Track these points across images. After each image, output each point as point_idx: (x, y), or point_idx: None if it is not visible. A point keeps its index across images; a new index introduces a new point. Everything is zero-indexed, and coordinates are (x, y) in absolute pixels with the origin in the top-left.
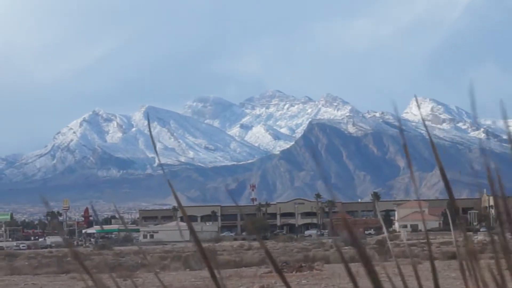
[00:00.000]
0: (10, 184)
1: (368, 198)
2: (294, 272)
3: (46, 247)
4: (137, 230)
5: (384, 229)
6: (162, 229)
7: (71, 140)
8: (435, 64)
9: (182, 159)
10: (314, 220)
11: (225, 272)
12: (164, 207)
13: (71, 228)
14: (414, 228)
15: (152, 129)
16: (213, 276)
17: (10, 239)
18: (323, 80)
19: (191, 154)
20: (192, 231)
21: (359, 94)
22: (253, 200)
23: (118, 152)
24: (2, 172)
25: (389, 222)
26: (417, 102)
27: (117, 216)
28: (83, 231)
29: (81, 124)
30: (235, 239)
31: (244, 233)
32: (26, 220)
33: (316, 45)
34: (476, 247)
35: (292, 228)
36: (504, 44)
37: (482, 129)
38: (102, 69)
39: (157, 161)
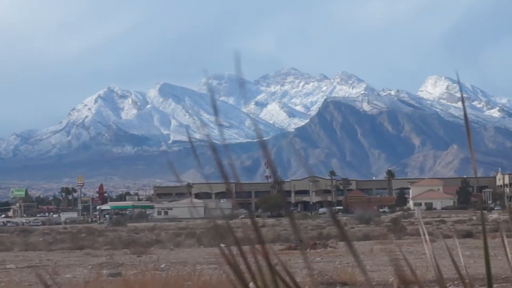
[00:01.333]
0: (25, 160)
1: (382, 176)
2: (308, 250)
3: (60, 223)
4: (152, 207)
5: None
6: (176, 205)
7: (86, 117)
8: (451, 42)
9: (197, 136)
10: (329, 198)
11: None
12: (179, 184)
13: (85, 204)
14: (429, 206)
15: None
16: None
17: (24, 215)
18: (338, 57)
19: (206, 131)
20: (250, 213)
21: (375, 72)
22: (267, 177)
23: (133, 128)
24: (17, 148)
25: (403, 200)
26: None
27: (131, 193)
28: (98, 207)
29: (96, 101)
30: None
31: (259, 210)
32: (41, 196)
33: (332, 23)
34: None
35: (306, 206)
36: None
37: (497, 108)
38: (117, 46)
39: (172, 137)
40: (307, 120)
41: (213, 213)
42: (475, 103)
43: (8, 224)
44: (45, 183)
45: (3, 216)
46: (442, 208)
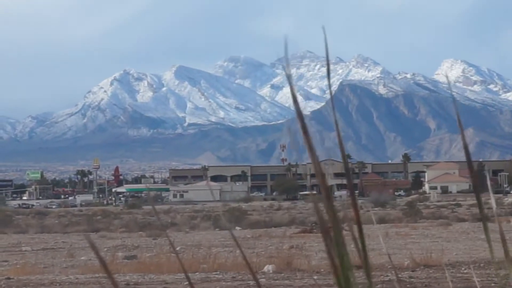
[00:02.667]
0: (41, 142)
1: (398, 160)
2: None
3: (76, 205)
4: (167, 190)
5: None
6: (192, 188)
7: (102, 99)
8: (467, 25)
9: (213, 118)
10: (344, 181)
11: (255, 232)
12: (194, 167)
13: (101, 187)
14: (444, 190)
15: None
16: None
17: (40, 197)
18: (354, 41)
19: (221, 114)
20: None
21: (390, 55)
22: (283, 160)
23: (149, 111)
24: (32, 131)
25: (419, 183)
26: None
27: (147, 175)
28: (113, 190)
29: (112, 83)
30: (265, 199)
31: (274, 193)
32: (57, 178)
33: (348, 5)
34: None
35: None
36: None
37: None
38: (133, 28)
39: (188, 120)
40: (323, 103)
41: (229, 195)
42: (491, 86)
43: (23, 206)
44: (61, 165)
45: (18, 198)
46: (458, 192)
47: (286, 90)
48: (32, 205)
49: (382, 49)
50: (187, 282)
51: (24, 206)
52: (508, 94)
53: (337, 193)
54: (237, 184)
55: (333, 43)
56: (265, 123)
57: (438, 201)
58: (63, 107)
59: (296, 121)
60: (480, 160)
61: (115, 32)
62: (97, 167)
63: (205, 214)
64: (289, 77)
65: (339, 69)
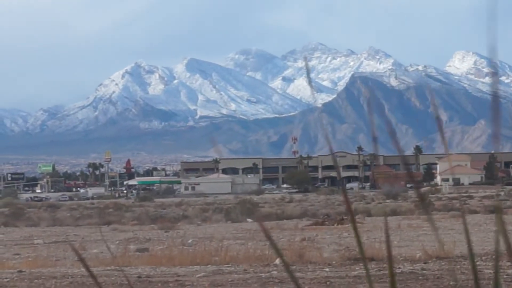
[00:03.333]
0: (52, 135)
1: (410, 151)
2: (335, 225)
3: (87, 198)
4: (179, 182)
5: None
6: (203, 181)
7: (113, 92)
8: (479, 16)
9: (224, 111)
10: (356, 173)
11: (266, 225)
12: (206, 159)
13: (112, 179)
14: (456, 182)
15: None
16: None
17: (52, 190)
18: (366, 33)
19: (233, 106)
20: None
21: (402, 48)
22: (294, 152)
23: (160, 104)
24: (44, 124)
25: (430, 175)
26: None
27: (159, 168)
28: (125, 182)
29: (123, 76)
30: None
31: (285, 185)
32: (68, 171)
33: None
34: None
35: (333, 181)
36: None
37: None
38: (145, 21)
39: (199, 113)
40: (334, 96)
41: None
42: (503, 78)
43: (35, 199)
44: (73, 158)
45: (30, 191)
46: (470, 184)
47: (298, 82)
48: (46, 197)
49: (393, 41)
50: (199, 275)
51: (36, 199)
52: None
53: (349, 185)
54: (249, 176)
55: (344, 36)
56: (277, 115)
57: (450, 193)
58: (74, 100)
59: (308, 114)
60: (492, 152)
61: (126, 25)
62: (109, 160)
63: (217, 206)
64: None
65: (351, 61)
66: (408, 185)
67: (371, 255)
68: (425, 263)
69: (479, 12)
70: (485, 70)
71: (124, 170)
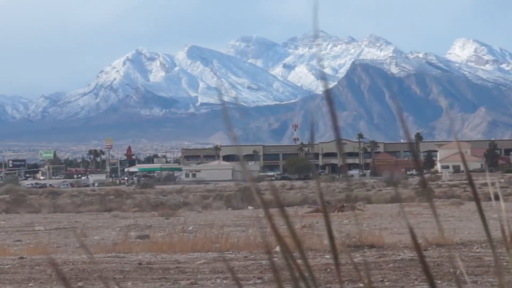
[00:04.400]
0: (54, 122)
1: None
2: (336, 212)
3: (88, 185)
4: (180, 169)
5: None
6: (204, 168)
7: (114, 79)
8: (479, 4)
9: (225, 98)
10: (356, 161)
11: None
12: (207, 146)
13: (113, 166)
14: (456, 169)
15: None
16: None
17: (53, 177)
18: (366, 20)
19: (233, 93)
20: None
21: (403, 35)
22: (295, 139)
23: (161, 91)
24: (45, 111)
25: (431, 162)
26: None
27: (159, 155)
28: (126, 169)
29: (124, 63)
30: (277, 179)
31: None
32: (69, 158)
33: None
34: None
35: (334, 168)
36: None
37: None
38: (146, 8)
39: (200, 100)
40: (335, 83)
41: (241, 175)
42: (503, 65)
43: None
44: (74, 145)
45: (31, 178)
46: (470, 171)
47: (298, 69)
48: (51, 184)
49: (394, 29)
50: (200, 261)
51: (37, 185)
52: None
53: (349, 172)
54: (249, 163)
55: (345, 23)
56: (277, 102)
57: (450, 180)
58: (75, 87)
59: (309, 101)
60: (492, 139)
61: (128, 12)
62: (110, 147)
63: (218, 193)
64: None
65: (351, 48)
66: (408, 172)
67: (371, 242)
68: (425, 250)
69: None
70: (485, 57)
71: (125, 157)
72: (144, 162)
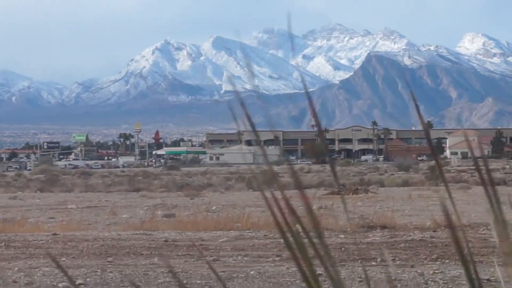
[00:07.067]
0: (86, 107)
1: (421, 127)
2: (350, 195)
3: (118, 166)
4: (204, 152)
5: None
6: (227, 151)
7: (144, 67)
8: (488, 1)
9: (247, 86)
10: (370, 146)
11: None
12: (230, 131)
13: (142, 149)
14: (464, 155)
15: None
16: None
17: (86, 159)
18: (381, 14)
19: (256, 82)
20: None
21: (415, 29)
22: (313, 126)
23: (188, 79)
24: (79, 96)
25: (440, 149)
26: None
27: (185, 139)
28: (154, 152)
29: (153, 52)
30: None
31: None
32: (101, 141)
33: None
34: None
35: (349, 153)
36: None
37: None
38: (174, 1)
39: (224, 87)
40: (351, 73)
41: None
42: (510, 58)
43: (68, 166)
44: (105, 129)
45: (64, 159)
46: (477, 157)
47: (317, 60)
48: (87, 165)
49: (407, 23)
50: (222, 239)
51: (70, 166)
52: None
53: (363, 157)
54: (270, 148)
55: (361, 17)
56: (297, 91)
57: (459, 166)
58: (107, 74)
59: (325, 90)
60: (499, 127)
61: (157, 3)
62: (139, 130)
63: (240, 175)
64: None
65: (367, 41)
66: (419, 158)
67: (383, 223)
68: (434, 231)
69: None
70: (493, 51)
71: (153, 141)
72: (171, 146)
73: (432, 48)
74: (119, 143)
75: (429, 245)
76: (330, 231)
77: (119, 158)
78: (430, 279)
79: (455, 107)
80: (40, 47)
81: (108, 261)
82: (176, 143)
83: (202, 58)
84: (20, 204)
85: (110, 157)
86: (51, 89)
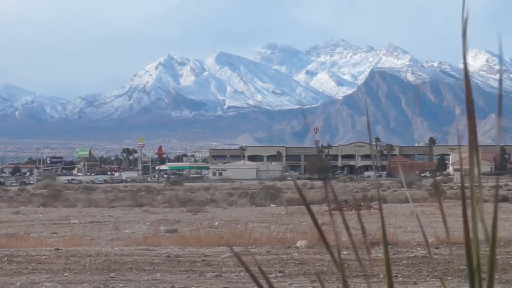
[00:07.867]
0: (90, 122)
1: (424, 143)
2: (353, 211)
3: (121, 181)
4: (207, 168)
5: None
6: (230, 167)
7: (147, 82)
8: (491, 18)
9: (251, 102)
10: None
11: (289, 209)
12: (233, 147)
13: (145, 164)
14: (467, 172)
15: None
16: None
17: (88, 174)
18: (385, 30)
19: (259, 97)
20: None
21: (419, 45)
22: (316, 142)
23: (191, 94)
24: (82, 111)
25: (443, 165)
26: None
27: (188, 154)
28: (157, 167)
29: (156, 67)
30: (299, 178)
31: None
32: (104, 156)
33: None
34: None
35: (352, 169)
36: None
37: None
38: (178, 15)
39: (227, 103)
40: (355, 89)
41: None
42: None
43: (73, 181)
44: (108, 144)
45: (68, 174)
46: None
47: (320, 76)
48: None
49: (411, 39)
50: (225, 255)
51: (73, 181)
52: None
53: (366, 173)
54: (273, 163)
55: (365, 32)
56: (300, 106)
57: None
58: (111, 89)
59: (329, 105)
60: (502, 144)
61: (160, 18)
62: (142, 146)
63: (242, 191)
64: None
65: (370, 57)
66: (422, 174)
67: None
68: (436, 247)
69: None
70: (496, 67)
71: (156, 156)
72: (174, 161)
73: (435, 64)
74: (122, 158)
75: (432, 261)
76: (333, 247)
77: (122, 173)
78: None
79: (458, 123)
80: (44, 62)
81: (111, 277)
82: (179, 158)
83: (205, 73)
84: (23, 219)
85: (113, 172)
86: (55, 104)
